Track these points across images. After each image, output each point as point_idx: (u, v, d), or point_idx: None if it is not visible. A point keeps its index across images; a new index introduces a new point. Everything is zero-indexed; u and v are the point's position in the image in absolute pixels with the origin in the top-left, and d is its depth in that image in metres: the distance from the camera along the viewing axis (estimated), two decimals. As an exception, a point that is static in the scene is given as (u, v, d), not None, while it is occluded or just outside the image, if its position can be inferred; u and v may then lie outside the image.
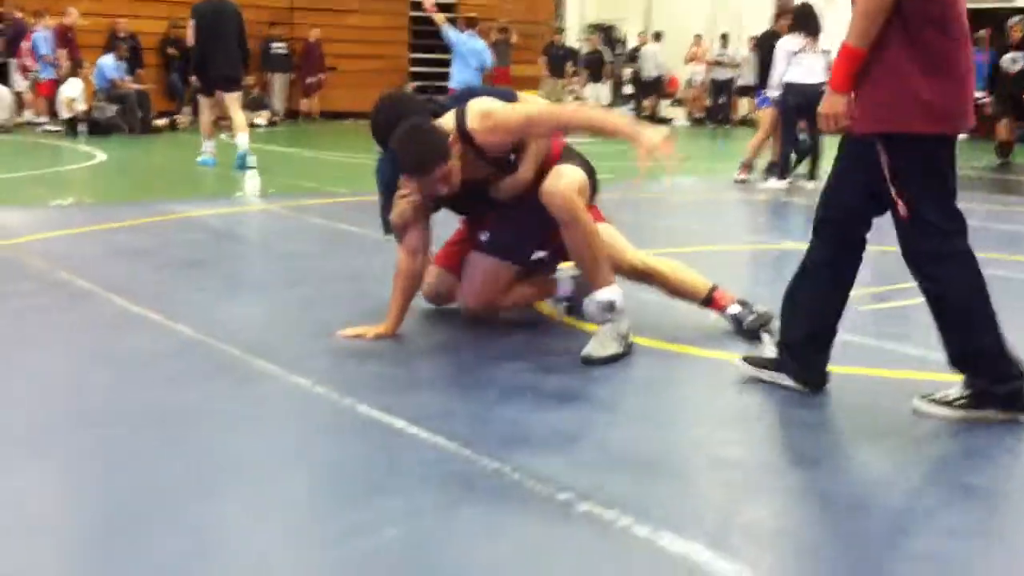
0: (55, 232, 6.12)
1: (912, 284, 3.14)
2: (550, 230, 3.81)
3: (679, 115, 20.43)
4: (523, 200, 3.80)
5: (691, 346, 3.82)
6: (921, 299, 3.10)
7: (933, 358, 3.16)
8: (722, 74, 19.24)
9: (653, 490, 2.54)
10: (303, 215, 7.15)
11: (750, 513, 2.44)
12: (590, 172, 3.86)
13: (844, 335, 3.31)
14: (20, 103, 15.38)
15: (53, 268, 5.00)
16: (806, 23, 9.01)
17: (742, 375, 3.38)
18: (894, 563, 2.21)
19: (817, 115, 3.04)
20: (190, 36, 10.21)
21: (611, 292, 3.68)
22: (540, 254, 4.08)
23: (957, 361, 3.04)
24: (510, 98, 3.86)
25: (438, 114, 3.80)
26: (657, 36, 20.33)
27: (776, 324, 3.56)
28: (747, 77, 15.90)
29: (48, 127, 14.45)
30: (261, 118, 16.18)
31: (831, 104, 2.98)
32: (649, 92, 20.45)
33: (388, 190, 3.90)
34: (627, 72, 21.31)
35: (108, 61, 14.66)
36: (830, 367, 3.26)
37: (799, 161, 9.79)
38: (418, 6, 15.00)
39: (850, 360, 3.48)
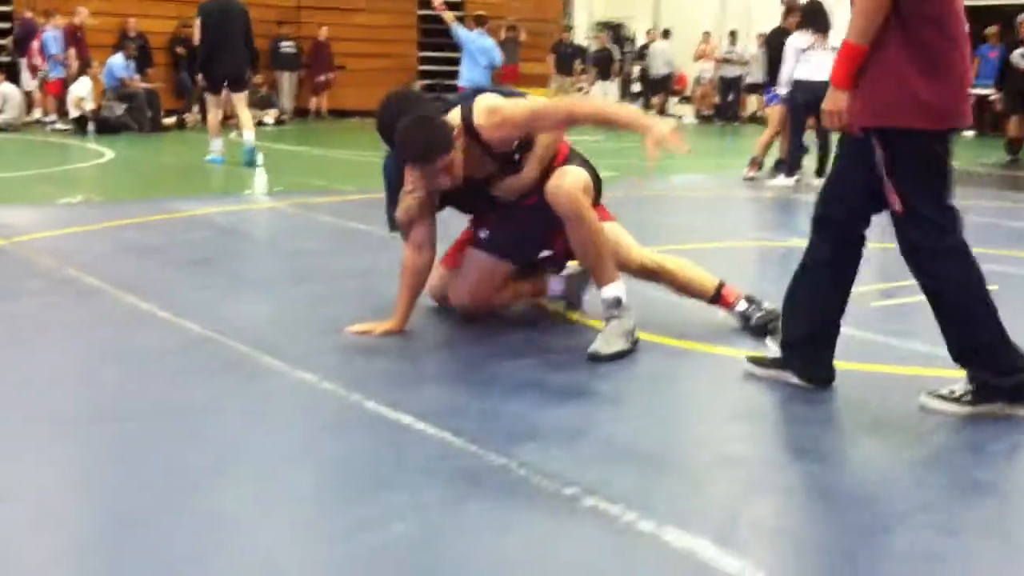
0: (64, 230, 6.14)
1: (918, 281, 3.14)
2: (552, 231, 3.81)
3: (688, 112, 20.41)
4: (526, 200, 3.80)
5: (698, 342, 3.82)
6: (927, 296, 3.10)
7: (940, 354, 3.15)
8: (731, 71, 19.21)
9: (659, 485, 2.55)
10: (311, 213, 7.16)
11: (755, 509, 2.44)
12: (595, 177, 3.86)
13: (851, 331, 3.30)
14: (29, 102, 15.46)
15: (61, 265, 5.02)
16: (815, 20, 8.99)
17: (747, 372, 3.39)
18: (900, 560, 2.21)
19: (821, 112, 3.05)
20: (197, 35, 10.25)
21: (616, 288, 3.69)
22: (546, 253, 4.09)
23: (959, 356, 3.04)
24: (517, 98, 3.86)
25: (445, 111, 3.80)
26: (666, 33, 20.32)
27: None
28: (756, 74, 15.90)
29: (57, 126, 14.50)
30: (269, 116, 16.22)
31: (834, 101, 2.99)
32: (658, 89, 20.45)
33: (394, 187, 3.91)
34: (636, 70, 21.33)
35: (117, 60, 14.71)
36: (836, 363, 3.26)
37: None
38: (427, 4, 15.02)
39: (857, 356, 3.48)
